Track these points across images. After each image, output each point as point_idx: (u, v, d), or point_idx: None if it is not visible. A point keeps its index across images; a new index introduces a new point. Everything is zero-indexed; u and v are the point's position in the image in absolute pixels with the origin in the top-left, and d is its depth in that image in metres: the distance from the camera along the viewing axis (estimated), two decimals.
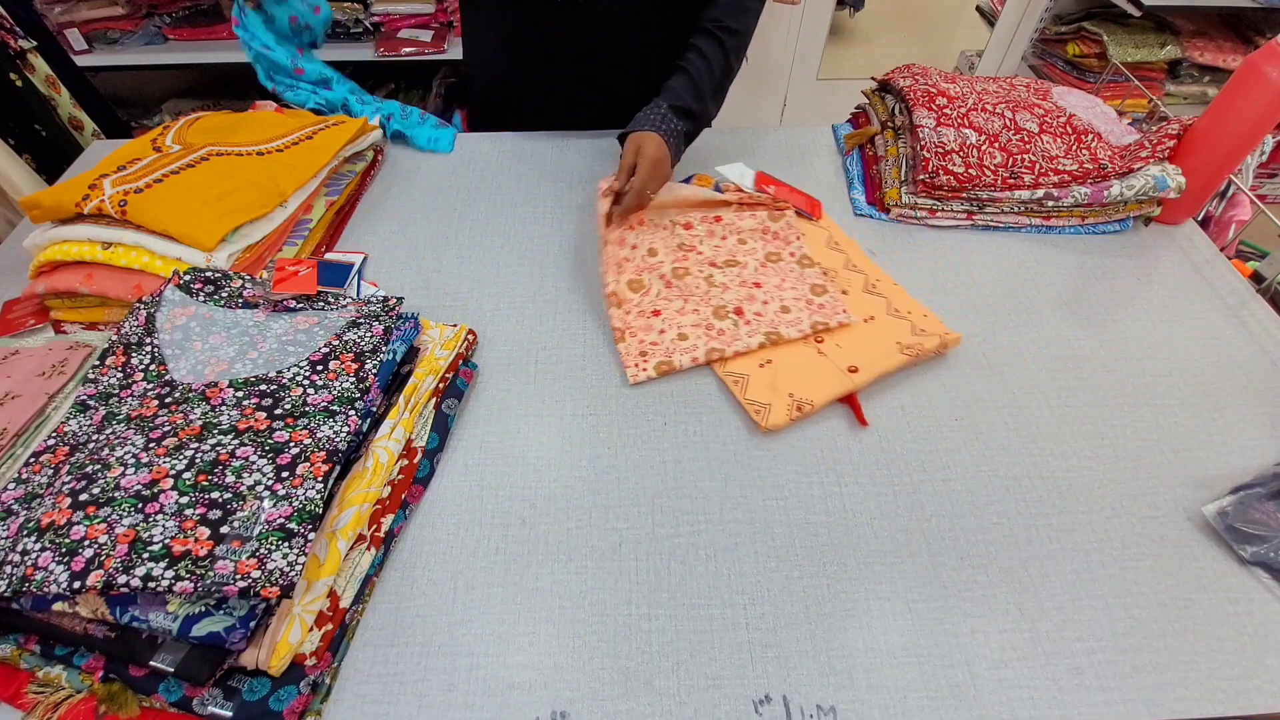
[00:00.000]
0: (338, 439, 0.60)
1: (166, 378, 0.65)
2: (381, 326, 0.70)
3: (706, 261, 0.87)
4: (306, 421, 0.61)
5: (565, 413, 0.75)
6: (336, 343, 0.68)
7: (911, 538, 0.65)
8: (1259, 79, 0.83)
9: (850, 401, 0.74)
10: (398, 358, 0.70)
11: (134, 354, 0.67)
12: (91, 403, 0.64)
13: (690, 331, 0.80)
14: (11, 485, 0.58)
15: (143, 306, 0.71)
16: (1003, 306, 0.86)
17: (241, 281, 0.75)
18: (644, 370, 0.77)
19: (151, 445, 0.58)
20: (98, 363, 0.67)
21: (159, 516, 0.53)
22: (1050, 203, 0.93)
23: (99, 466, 0.56)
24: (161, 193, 0.80)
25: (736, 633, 0.59)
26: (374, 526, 0.61)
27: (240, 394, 0.63)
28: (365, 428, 0.64)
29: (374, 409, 0.65)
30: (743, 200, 0.93)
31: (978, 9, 2.44)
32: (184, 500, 0.54)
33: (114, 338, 0.68)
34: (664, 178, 0.87)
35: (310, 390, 0.64)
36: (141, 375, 0.66)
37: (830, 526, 0.66)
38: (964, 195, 0.94)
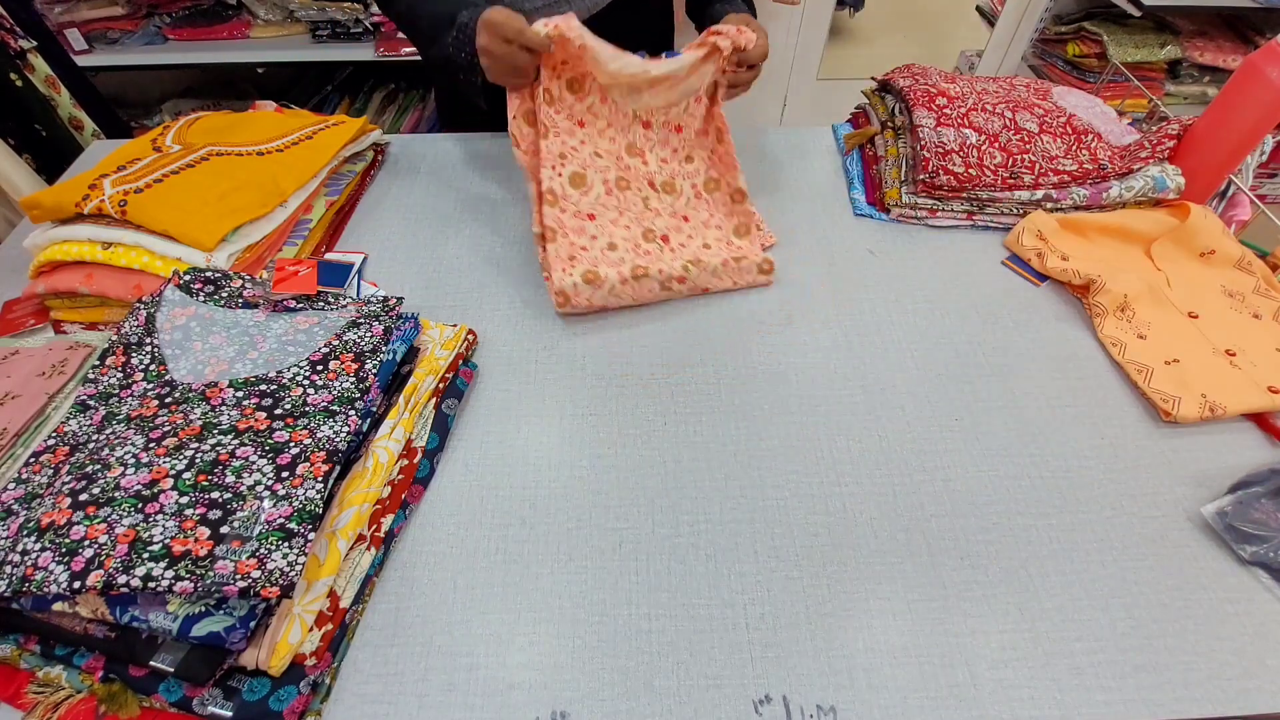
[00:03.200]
0: (338, 439, 0.60)
1: (166, 378, 0.65)
2: (381, 326, 0.70)
3: (646, 180, 0.88)
4: (306, 421, 0.61)
5: (565, 413, 0.75)
6: (336, 343, 0.68)
7: (911, 538, 0.65)
8: (1259, 79, 0.83)
9: (1262, 422, 0.73)
10: (398, 358, 0.70)
11: (134, 354, 0.67)
12: (91, 403, 0.64)
13: (620, 243, 0.82)
14: (11, 485, 0.58)
15: (143, 306, 0.71)
16: (1003, 306, 0.86)
17: (241, 281, 0.75)
18: (570, 275, 0.76)
19: (151, 445, 0.58)
20: (98, 363, 0.67)
21: (159, 516, 0.53)
22: (1049, 205, 0.93)
23: (99, 466, 0.56)
24: (161, 193, 0.80)
25: (736, 633, 0.59)
26: (374, 526, 0.61)
27: (240, 394, 0.63)
28: (365, 428, 0.64)
29: (374, 409, 0.65)
30: (694, 66, 0.83)
31: (978, 9, 2.44)
32: (184, 500, 0.54)
33: (114, 338, 0.68)
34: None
35: (310, 390, 0.64)
36: (141, 375, 0.66)
37: (830, 526, 0.66)
38: (964, 195, 0.94)
